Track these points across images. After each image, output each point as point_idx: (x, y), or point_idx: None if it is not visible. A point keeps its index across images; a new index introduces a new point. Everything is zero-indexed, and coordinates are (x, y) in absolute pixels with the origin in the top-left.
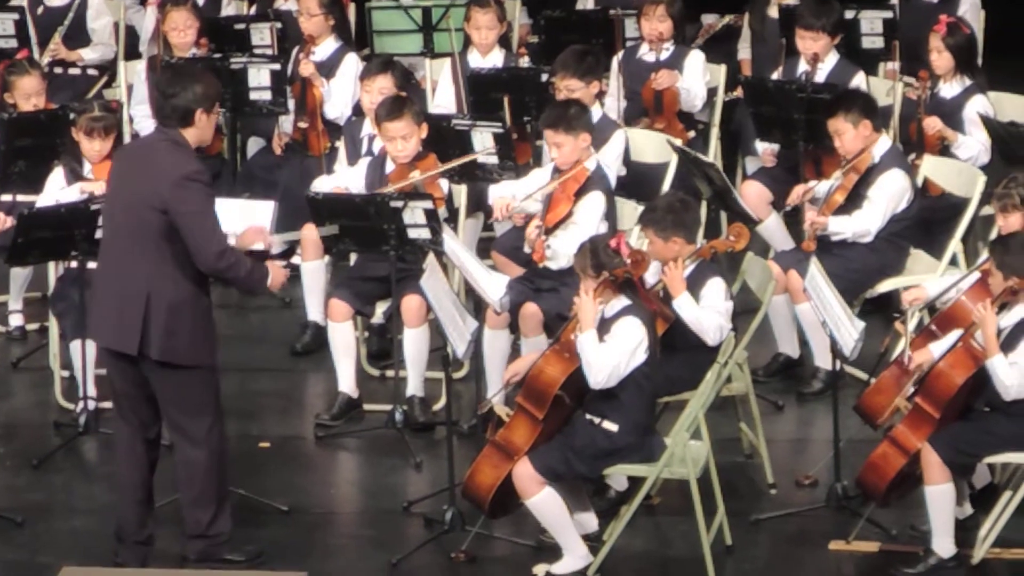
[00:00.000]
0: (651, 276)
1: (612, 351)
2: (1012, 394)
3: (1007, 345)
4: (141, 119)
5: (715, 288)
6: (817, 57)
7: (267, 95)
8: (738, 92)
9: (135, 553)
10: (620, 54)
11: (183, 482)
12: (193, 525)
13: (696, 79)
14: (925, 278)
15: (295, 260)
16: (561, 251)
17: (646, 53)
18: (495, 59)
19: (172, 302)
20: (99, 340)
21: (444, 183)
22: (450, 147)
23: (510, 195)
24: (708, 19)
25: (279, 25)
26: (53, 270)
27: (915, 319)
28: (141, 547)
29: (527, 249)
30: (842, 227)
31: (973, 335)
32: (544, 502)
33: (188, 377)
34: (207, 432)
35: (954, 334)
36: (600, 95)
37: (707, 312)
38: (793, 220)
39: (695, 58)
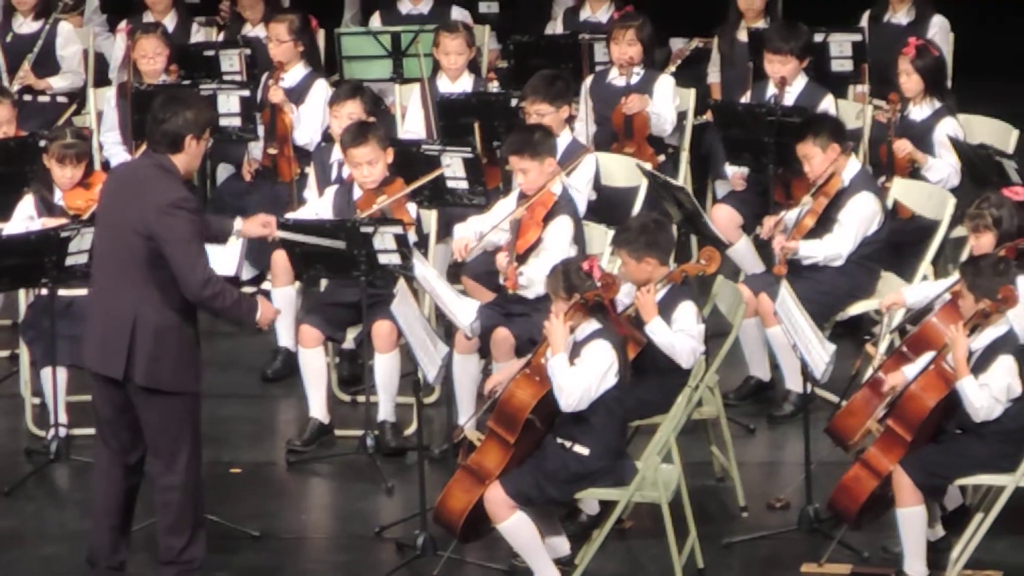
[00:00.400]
0: (626, 297)
1: (582, 374)
2: (982, 416)
3: (978, 367)
4: (111, 146)
5: (687, 312)
6: (785, 80)
7: (236, 121)
8: (708, 116)
9: None
10: (589, 79)
11: (160, 508)
12: (166, 551)
13: (666, 103)
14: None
15: (265, 286)
16: (535, 278)
17: (616, 78)
18: (464, 84)
19: (157, 328)
20: (86, 363)
21: (413, 208)
22: (420, 173)
23: (472, 234)
24: (677, 44)
25: (248, 52)
26: (24, 297)
27: (886, 341)
28: (113, 572)
29: (501, 281)
30: (813, 251)
31: (945, 357)
32: (516, 526)
33: (171, 403)
34: (187, 459)
35: (927, 356)
36: (570, 120)
37: (680, 336)
38: (763, 243)
39: (665, 82)
